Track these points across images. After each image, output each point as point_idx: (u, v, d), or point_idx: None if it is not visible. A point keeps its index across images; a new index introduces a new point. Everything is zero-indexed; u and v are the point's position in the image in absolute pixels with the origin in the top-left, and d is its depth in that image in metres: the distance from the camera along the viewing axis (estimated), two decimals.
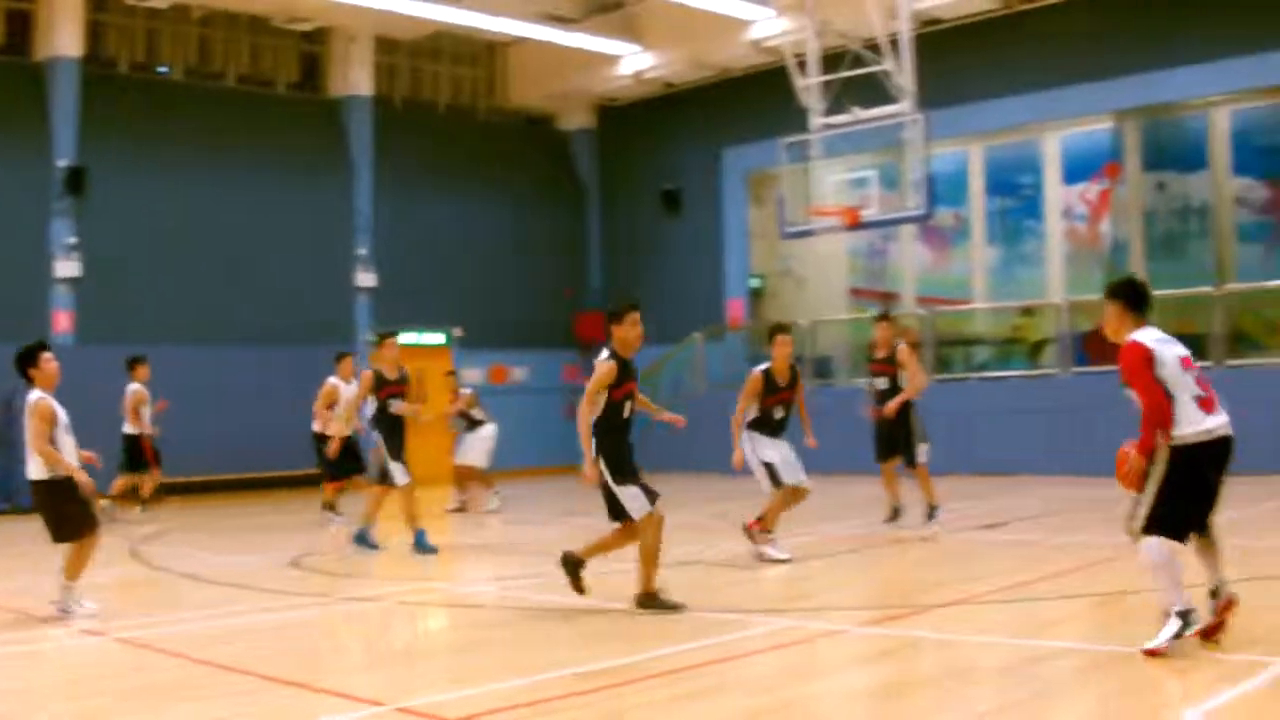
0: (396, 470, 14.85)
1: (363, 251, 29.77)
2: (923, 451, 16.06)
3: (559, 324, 32.79)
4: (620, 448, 10.45)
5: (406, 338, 30.00)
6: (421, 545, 14.97)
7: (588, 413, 10.65)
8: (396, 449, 15.01)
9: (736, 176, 31.33)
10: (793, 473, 13.67)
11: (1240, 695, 7.08)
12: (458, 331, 31.05)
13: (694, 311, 30.77)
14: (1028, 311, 27.24)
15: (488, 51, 33.39)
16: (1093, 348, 24.79)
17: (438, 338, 30.89)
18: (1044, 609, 10.32)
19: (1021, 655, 8.48)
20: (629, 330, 11.01)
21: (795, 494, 13.73)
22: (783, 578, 12.56)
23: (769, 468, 13.64)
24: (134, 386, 20.90)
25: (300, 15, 28.50)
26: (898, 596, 11.62)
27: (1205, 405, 8.14)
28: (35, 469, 10.56)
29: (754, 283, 31.97)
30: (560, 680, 7.97)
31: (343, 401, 19.11)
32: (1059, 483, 21.56)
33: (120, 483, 21.03)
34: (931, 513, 15.97)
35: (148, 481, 21.41)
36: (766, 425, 13.85)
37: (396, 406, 15.01)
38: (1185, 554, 8.08)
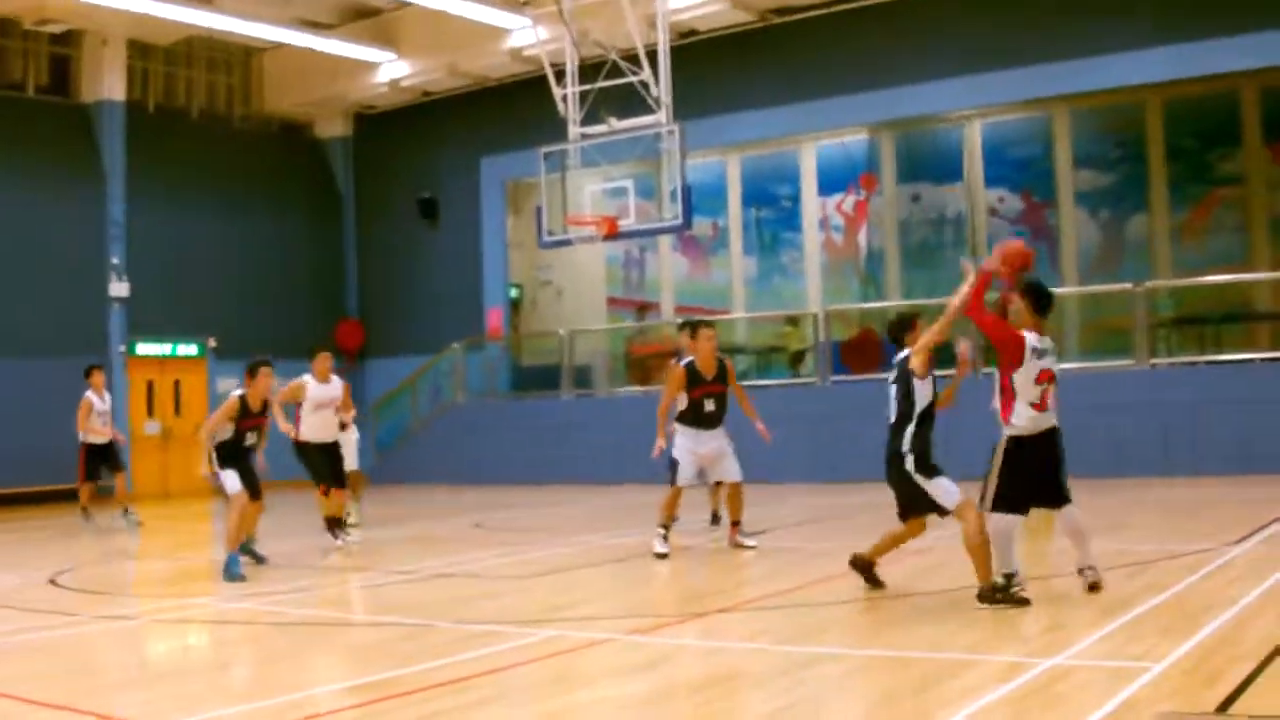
0: (228, 478, 14.14)
1: (116, 260, 29.02)
2: None
3: (318, 334, 32.24)
4: (927, 444, 10.28)
5: (157, 349, 29.42)
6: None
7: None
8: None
9: (495, 185, 31.23)
10: (688, 475, 14.35)
11: (1004, 696, 7.12)
12: (211, 342, 30.39)
13: (453, 321, 30.62)
14: (792, 321, 27.52)
15: (243, 57, 32.81)
16: (850, 357, 25.20)
17: (191, 348, 30.26)
18: (809, 615, 10.32)
19: (789, 660, 8.50)
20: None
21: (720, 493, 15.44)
22: (547, 588, 12.49)
23: (672, 464, 14.23)
24: None
25: (50, 17, 27.56)
26: (663, 605, 11.62)
27: (1038, 408, 9.78)
28: None
29: (513, 292, 31.92)
30: (329, 695, 7.87)
31: (94, 414, 20.06)
32: (820, 490, 21.81)
33: None
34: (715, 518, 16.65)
35: None
36: (696, 418, 14.33)
37: (250, 439, 14.35)
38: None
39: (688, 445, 14.30)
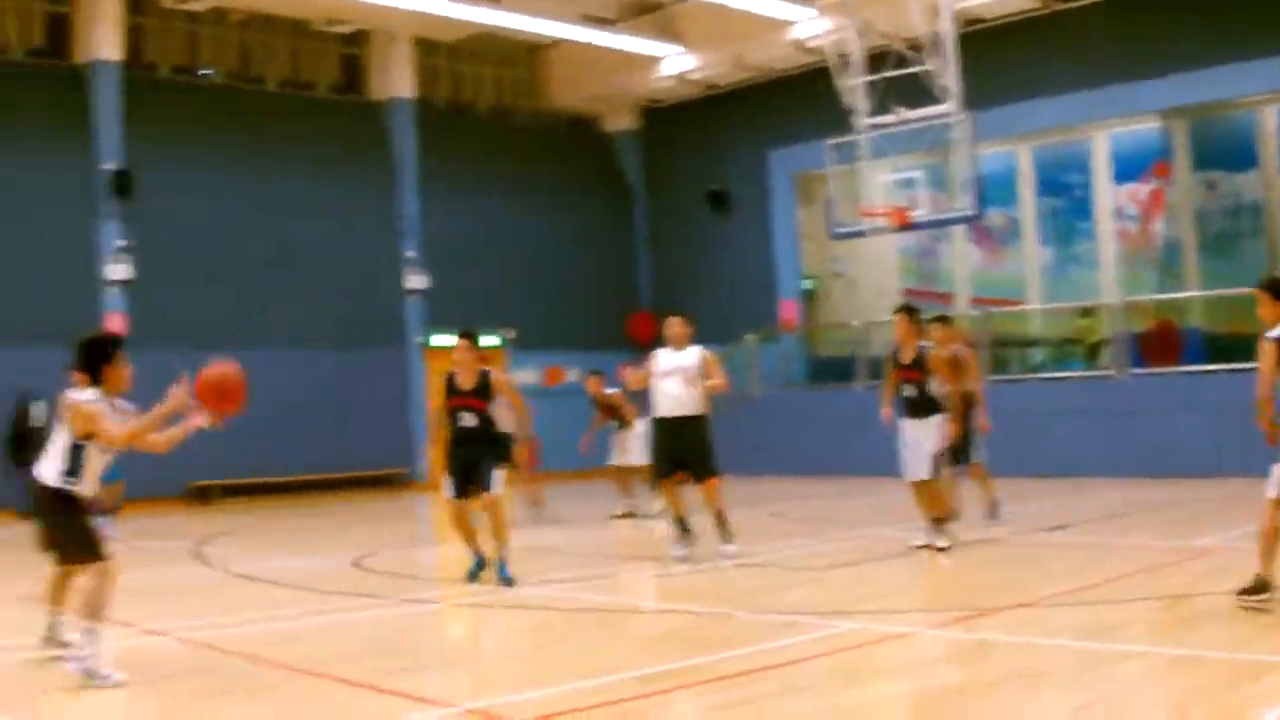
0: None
1: (411, 254, 29.76)
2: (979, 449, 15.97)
3: (611, 325, 32.61)
4: None
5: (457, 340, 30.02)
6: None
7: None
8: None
9: (784, 177, 31.15)
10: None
11: None
12: (510, 333, 30.95)
13: (746, 313, 30.55)
14: (1086, 312, 26.88)
15: (528, 53, 33.33)
16: (1149, 349, 24.53)
17: (491, 340, 30.81)
18: (1111, 612, 10.13)
19: (1090, 658, 8.33)
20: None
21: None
22: (844, 580, 12.42)
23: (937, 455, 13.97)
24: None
25: (340, 18, 28.52)
26: (962, 599, 11.40)
27: None
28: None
29: (807, 284, 31.79)
30: (624, 683, 7.87)
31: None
32: (1119, 485, 21.32)
33: None
34: (994, 510, 16.04)
35: None
36: (900, 403, 14.15)
37: (467, 420, 12.63)
38: None
39: (906, 430, 14.19)
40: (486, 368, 12.75)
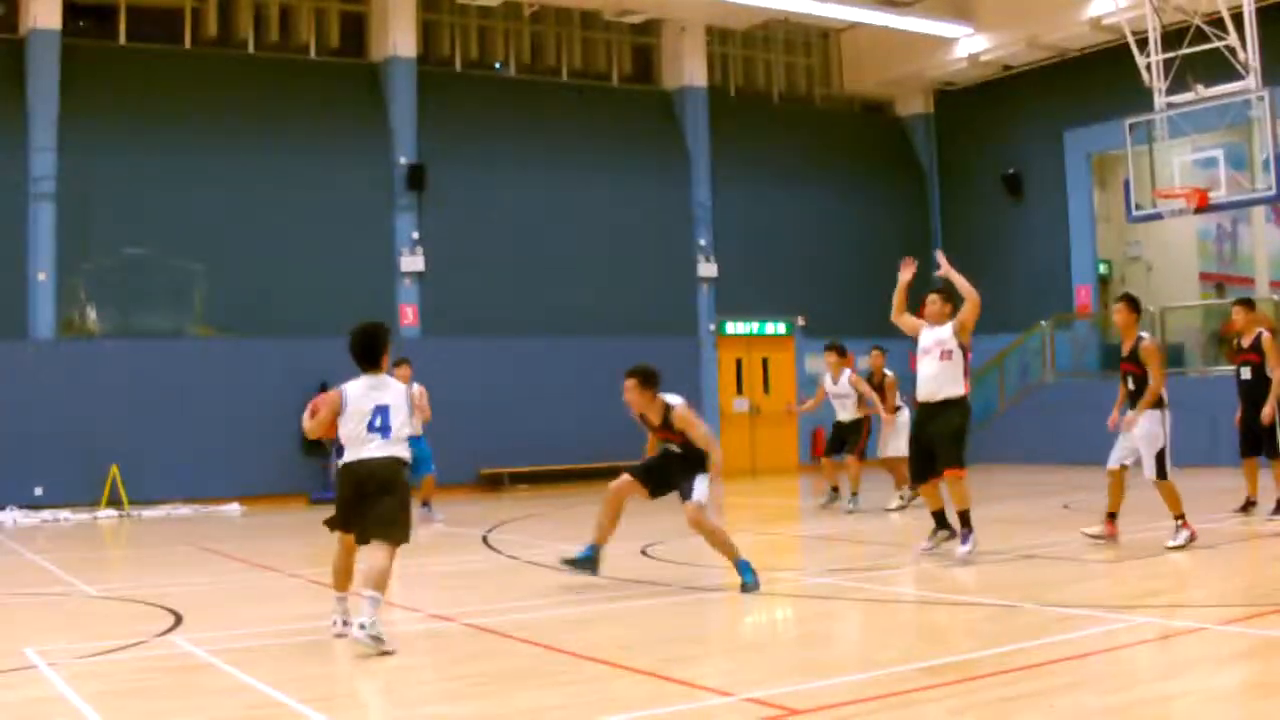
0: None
1: (703, 242, 30.01)
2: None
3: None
4: None
5: (745, 328, 30.20)
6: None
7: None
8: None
9: (1079, 159, 30.52)
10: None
11: None
12: (800, 320, 31.01)
13: (1040, 298, 30.10)
14: None
15: (820, 38, 33.36)
16: None
17: (779, 327, 30.90)
18: None
19: None
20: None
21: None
22: (1139, 572, 12.12)
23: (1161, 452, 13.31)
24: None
25: (630, 8, 28.79)
26: (1261, 594, 10.94)
27: None
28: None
29: (1102, 268, 31.15)
30: (908, 674, 7.81)
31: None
32: None
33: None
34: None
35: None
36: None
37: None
38: None
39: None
40: (664, 402, 11.69)
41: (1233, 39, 21.55)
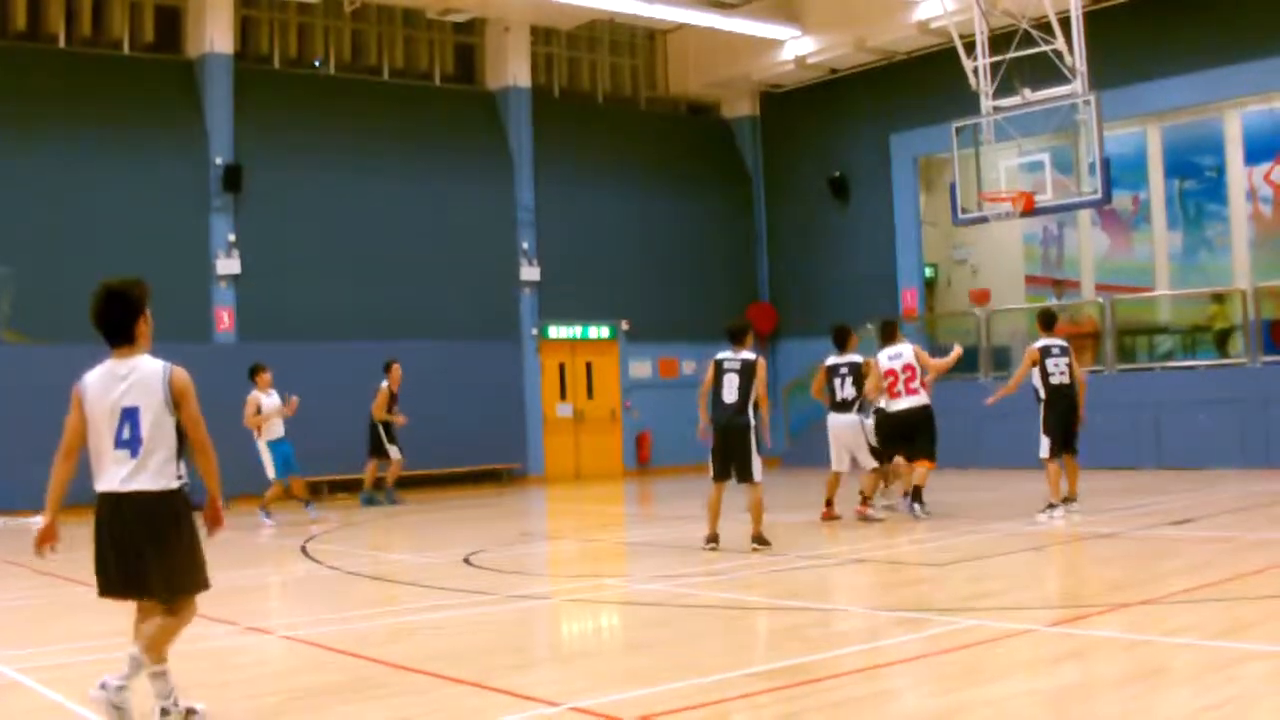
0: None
1: (526, 245, 29.62)
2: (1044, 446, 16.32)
3: (728, 315, 32.26)
4: None
5: (568, 332, 29.95)
6: None
7: None
8: None
9: (906, 162, 30.69)
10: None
11: None
12: (624, 325, 30.76)
13: (866, 301, 30.09)
14: (1218, 298, 26.19)
15: (646, 39, 33.27)
16: None
17: (603, 331, 30.66)
18: (1238, 609, 9.75)
19: (1218, 657, 8.00)
20: None
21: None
22: (964, 575, 12.15)
23: None
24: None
25: (453, 7, 28.37)
26: (1085, 595, 11.12)
27: None
28: None
29: (928, 271, 31.33)
30: (737, 680, 7.74)
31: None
32: (1250, 477, 20.78)
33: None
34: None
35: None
36: None
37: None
38: None
39: None
40: None
41: (1060, 43, 21.65)
